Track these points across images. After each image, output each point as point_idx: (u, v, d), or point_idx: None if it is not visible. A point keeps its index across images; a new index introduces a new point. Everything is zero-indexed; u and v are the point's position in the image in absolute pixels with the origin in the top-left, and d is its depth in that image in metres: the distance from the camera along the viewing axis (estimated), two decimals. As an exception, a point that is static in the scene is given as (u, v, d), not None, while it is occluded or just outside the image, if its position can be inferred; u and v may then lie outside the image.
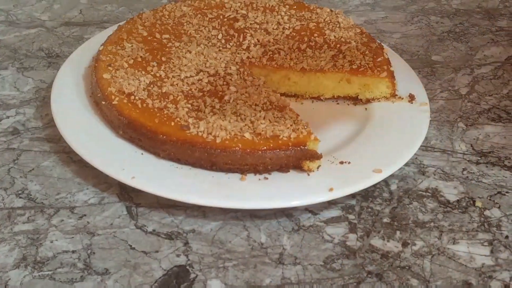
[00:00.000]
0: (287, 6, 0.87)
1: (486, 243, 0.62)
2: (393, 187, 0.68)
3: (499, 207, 0.67)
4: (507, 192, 0.69)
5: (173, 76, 0.72)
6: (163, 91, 0.69)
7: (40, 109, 0.77)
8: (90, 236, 0.60)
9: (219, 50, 0.78)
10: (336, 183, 0.63)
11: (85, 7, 1.03)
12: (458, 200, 0.67)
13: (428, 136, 0.74)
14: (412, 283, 0.57)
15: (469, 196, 0.68)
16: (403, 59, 0.87)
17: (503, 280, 0.58)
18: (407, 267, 0.59)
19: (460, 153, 0.74)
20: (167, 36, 0.79)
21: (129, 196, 0.65)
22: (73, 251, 0.58)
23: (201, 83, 0.71)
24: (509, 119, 0.81)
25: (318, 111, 0.78)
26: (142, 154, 0.66)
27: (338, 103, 0.79)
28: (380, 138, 0.71)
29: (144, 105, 0.67)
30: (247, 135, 0.64)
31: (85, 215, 0.62)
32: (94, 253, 0.58)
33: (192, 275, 0.57)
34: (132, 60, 0.74)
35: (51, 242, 0.59)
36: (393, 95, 0.78)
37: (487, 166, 0.72)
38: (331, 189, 0.62)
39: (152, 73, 0.72)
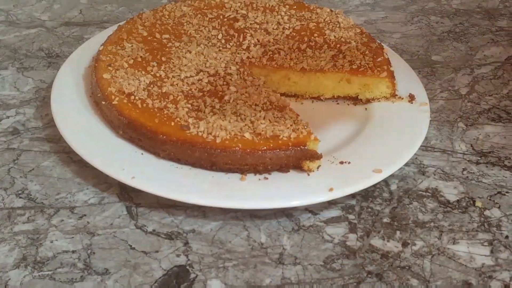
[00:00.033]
0: (287, 6, 0.87)
1: (486, 243, 0.62)
2: (393, 187, 0.68)
3: (499, 207, 0.67)
4: (507, 192, 0.69)
5: (173, 76, 0.72)
6: (163, 91, 0.69)
7: (40, 109, 0.77)
8: (90, 236, 0.60)
9: (219, 50, 0.78)
10: (336, 183, 0.63)
11: (85, 7, 1.03)
12: (458, 200, 0.67)
13: (428, 136, 0.74)
14: (412, 283, 0.57)
15: (469, 196, 0.68)
16: (403, 59, 0.87)
17: (503, 280, 0.58)
18: (407, 267, 0.59)
19: (460, 153, 0.74)
20: (167, 36, 0.79)
21: (129, 196, 0.65)
22: (73, 251, 0.58)
23: (201, 83, 0.71)
24: (509, 119, 0.81)
25: (318, 111, 0.78)
26: (142, 154, 0.66)
27: (338, 103, 0.79)
28: (380, 138, 0.71)
29: (144, 105, 0.67)
30: (247, 135, 0.64)
31: (85, 215, 0.62)
32: (94, 253, 0.58)
33: (192, 275, 0.57)
34: (132, 60, 0.74)
35: (51, 242, 0.59)
36: (393, 95, 0.78)
37: (487, 166, 0.72)
38: (331, 189, 0.62)
39: (152, 73, 0.72)
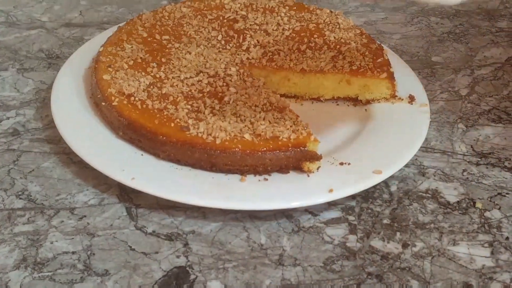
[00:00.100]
0: (287, 7, 0.87)
1: (486, 245, 0.62)
2: (393, 188, 0.68)
3: (499, 208, 0.67)
4: (507, 193, 0.69)
5: (173, 77, 0.72)
6: (163, 92, 0.69)
7: (40, 110, 0.77)
8: (90, 237, 0.60)
9: (219, 51, 0.78)
10: (336, 184, 0.63)
11: (85, 8, 1.03)
12: (458, 201, 0.67)
13: (428, 137, 0.74)
14: (412, 284, 0.57)
15: (469, 197, 0.68)
16: (403, 60, 0.87)
17: (503, 282, 0.58)
18: (407, 269, 0.59)
19: (460, 154, 0.74)
20: (167, 37, 0.80)
21: (129, 197, 0.65)
22: (73, 252, 0.58)
23: (201, 84, 0.71)
24: (509, 120, 0.81)
25: (318, 112, 0.78)
26: (142, 155, 0.66)
27: (338, 104, 0.79)
28: (380, 139, 0.71)
29: (144, 106, 0.67)
30: (247, 136, 0.64)
31: (85, 216, 0.62)
32: (94, 254, 0.58)
33: (192, 276, 0.57)
34: (132, 61, 0.74)
35: (51, 243, 0.59)
36: (393, 96, 0.78)
37: (487, 167, 0.72)
38: (331, 190, 0.62)
39: (152, 74, 0.72)
